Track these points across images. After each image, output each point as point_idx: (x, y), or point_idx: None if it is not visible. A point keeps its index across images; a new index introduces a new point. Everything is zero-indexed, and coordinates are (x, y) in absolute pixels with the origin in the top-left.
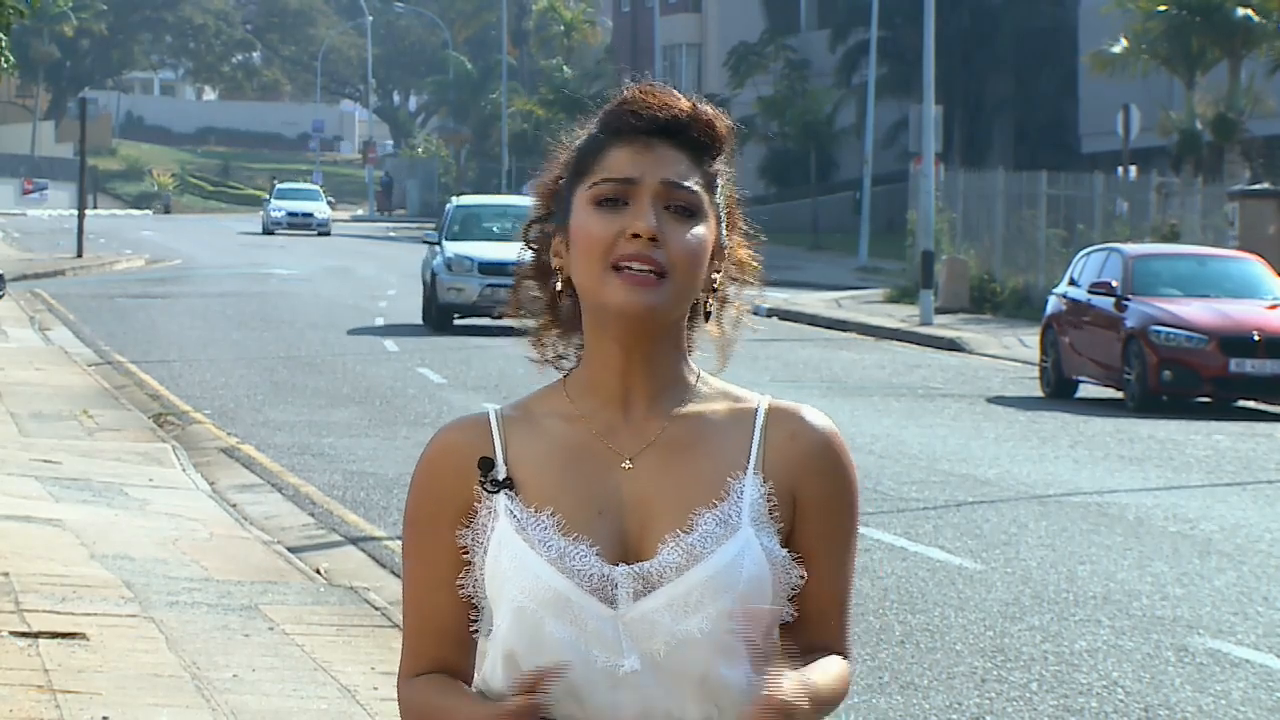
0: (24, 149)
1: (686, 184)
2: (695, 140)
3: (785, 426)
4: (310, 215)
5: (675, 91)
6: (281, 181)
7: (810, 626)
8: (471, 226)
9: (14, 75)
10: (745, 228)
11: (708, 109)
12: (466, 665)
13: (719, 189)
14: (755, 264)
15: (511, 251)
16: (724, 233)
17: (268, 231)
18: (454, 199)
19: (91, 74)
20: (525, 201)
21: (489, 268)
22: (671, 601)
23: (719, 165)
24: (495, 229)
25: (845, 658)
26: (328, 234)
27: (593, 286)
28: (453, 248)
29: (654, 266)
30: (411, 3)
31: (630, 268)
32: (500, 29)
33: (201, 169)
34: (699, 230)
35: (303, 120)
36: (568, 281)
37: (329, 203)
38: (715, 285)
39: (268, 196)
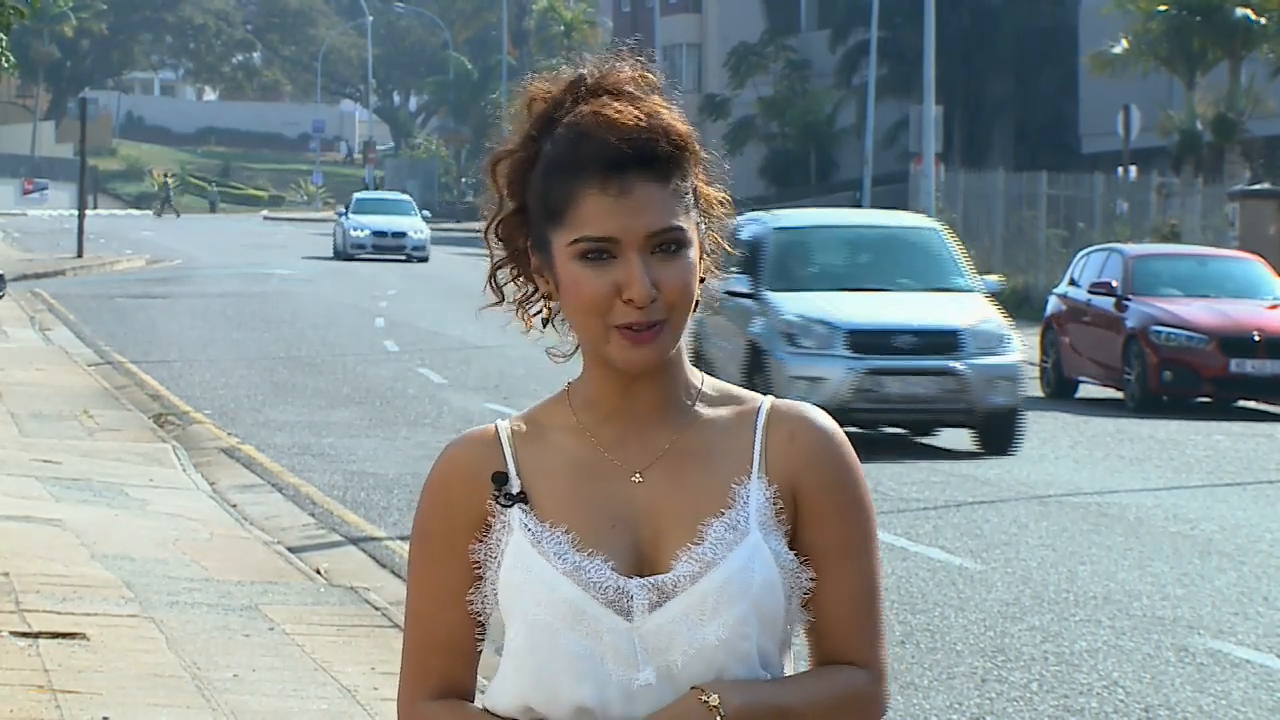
0: (24, 149)
1: (671, 225)
2: (663, 154)
3: (785, 427)
4: (403, 235)
5: (628, 107)
6: (363, 191)
7: (830, 637)
8: (801, 265)
9: (14, 75)
10: (710, 172)
11: (663, 115)
12: (472, 683)
13: (691, 191)
14: (726, 203)
15: (904, 310)
16: (703, 229)
17: (344, 256)
18: (764, 216)
19: (92, 74)
20: (897, 221)
21: (870, 339)
22: (687, 611)
23: (688, 167)
24: (854, 265)
25: (871, 670)
26: (425, 260)
27: (592, 341)
28: (789, 304)
29: (653, 324)
30: (411, 3)
31: (630, 327)
32: (500, 29)
33: (202, 169)
34: (689, 258)
35: (303, 120)
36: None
37: (424, 217)
38: (703, 278)
39: (342, 209)
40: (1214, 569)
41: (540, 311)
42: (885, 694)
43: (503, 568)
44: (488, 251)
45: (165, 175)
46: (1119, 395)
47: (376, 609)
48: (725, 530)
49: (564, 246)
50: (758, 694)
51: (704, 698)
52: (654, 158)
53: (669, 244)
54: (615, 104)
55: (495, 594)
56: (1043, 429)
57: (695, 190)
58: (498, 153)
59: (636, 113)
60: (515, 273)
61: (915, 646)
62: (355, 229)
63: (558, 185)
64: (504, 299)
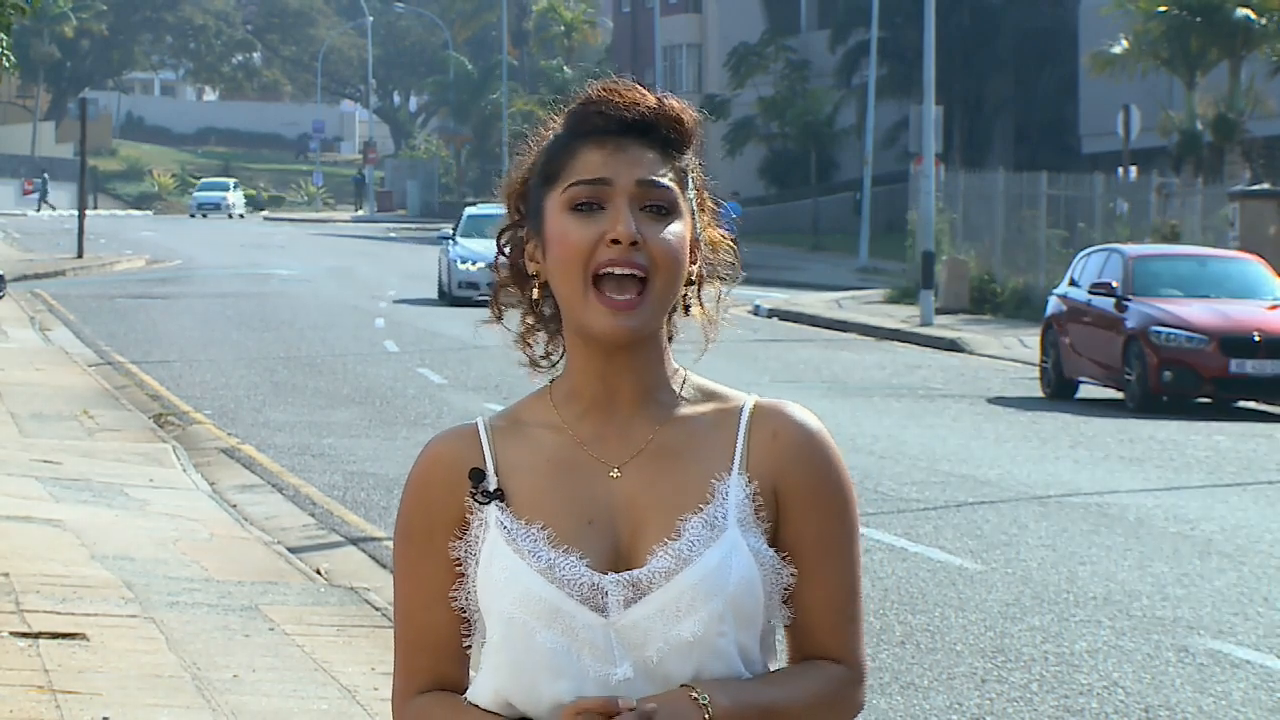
0: (24, 149)
1: (661, 181)
2: (664, 136)
3: (768, 425)
4: None
5: (640, 87)
6: (474, 205)
7: (809, 634)
8: None
9: (14, 75)
10: (714, 207)
11: (674, 103)
12: (463, 679)
13: (691, 183)
14: (728, 242)
15: None
16: (699, 226)
17: (453, 299)
18: None
19: (92, 74)
20: None
21: None
22: (663, 607)
23: (689, 158)
24: None
25: (852, 667)
26: None
27: (574, 303)
28: None
29: (635, 270)
30: (411, 3)
31: (612, 273)
32: (500, 29)
33: (202, 169)
34: (676, 228)
35: (303, 121)
36: (544, 285)
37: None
38: (694, 279)
39: (450, 233)
40: (1214, 569)
41: (536, 325)
42: (863, 691)
43: (480, 565)
44: (495, 273)
45: (43, 170)
46: (1119, 395)
47: (376, 609)
48: (703, 527)
49: (556, 198)
50: (746, 694)
51: (694, 694)
52: (656, 130)
53: (659, 204)
54: (626, 86)
55: (475, 592)
56: (1043, 429)
57: (693, 181)
58: (509, 182)
59: (646, 94)
60: (520, 302)
61: (915, 646)
62: (466, 260)
63: (558, 151)
64: (502, 316)
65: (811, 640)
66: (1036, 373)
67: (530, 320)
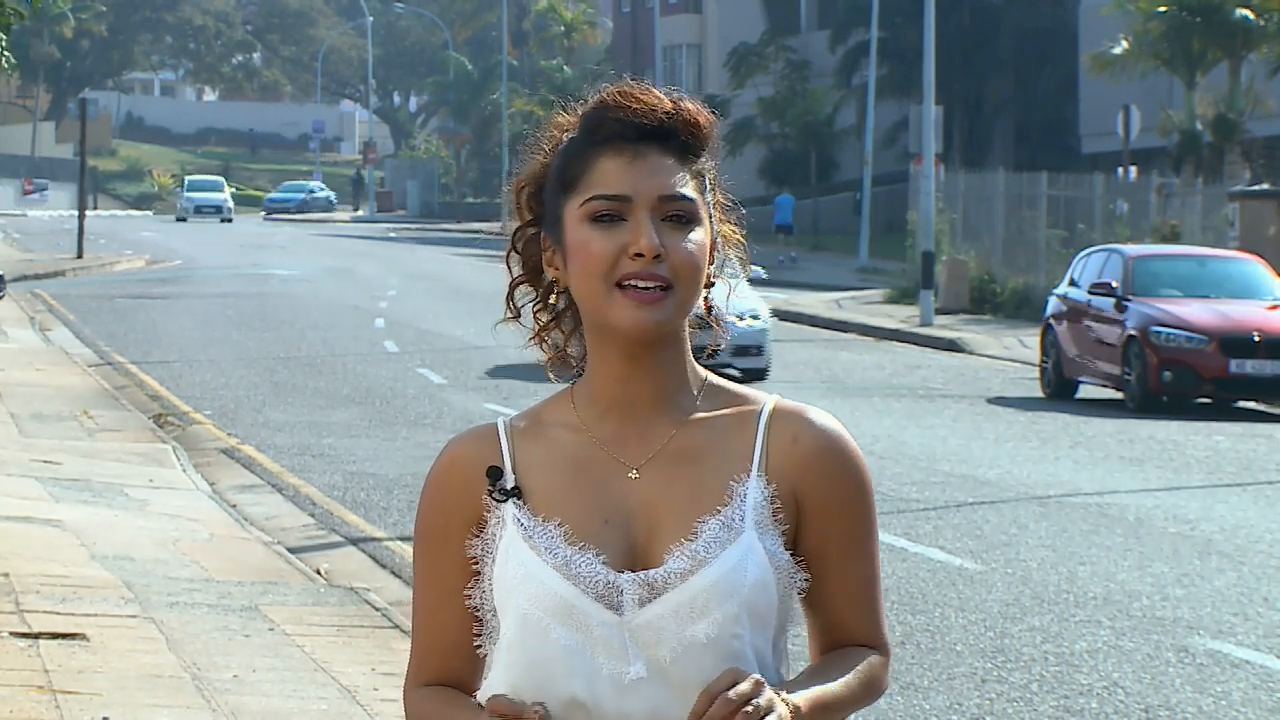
0: (24, 149)
1: (682, 194)
2: (682, 141)
3: (788, 428)
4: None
5: (654, 90)
6: None
7: (841, 626)
8: None
9: (14, 76)
10: (724, 201)
11: (689, 106)
12: (473, 678)
13: (708, 185)
14: (738, 236)
15: None
16: (716, 229)
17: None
18: None
19: (91, 75)
20: None
21: None
22: (678, 607)
23: (705, 161)
24: None
25: (881, 650)
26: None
27: (596, 305)
28: None
29: (659, 283)
30: (411, 3)
31: (635, 286)
32: (500, 29)
33: (202, 170)
34: (697, 236)
35: (303, 121)
36: (565, 292)
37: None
38: (712, 281)
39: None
40: (1214, 569)
41: (554, 320)
42: (889, 672)
43: (496, 563)
44: (509, 274)
45: None
46: (1119, 396)
47: (376, 609)
48: (720, 529)
49: (575, 209)
50: (814, 693)
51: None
52: (673, 136)
53: (680, 214)
54: (641, 90)
55: (491, 589)
56: (1043, 429)
57: (710, 183)
58: (521, 177)
59: (661, 97)
60: (535, 301)
61: (915, 647)
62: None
63: (575, 157)
64: (519, 314)
65: (843, 631)
66: (1036, 373)
67: (545, 319)
